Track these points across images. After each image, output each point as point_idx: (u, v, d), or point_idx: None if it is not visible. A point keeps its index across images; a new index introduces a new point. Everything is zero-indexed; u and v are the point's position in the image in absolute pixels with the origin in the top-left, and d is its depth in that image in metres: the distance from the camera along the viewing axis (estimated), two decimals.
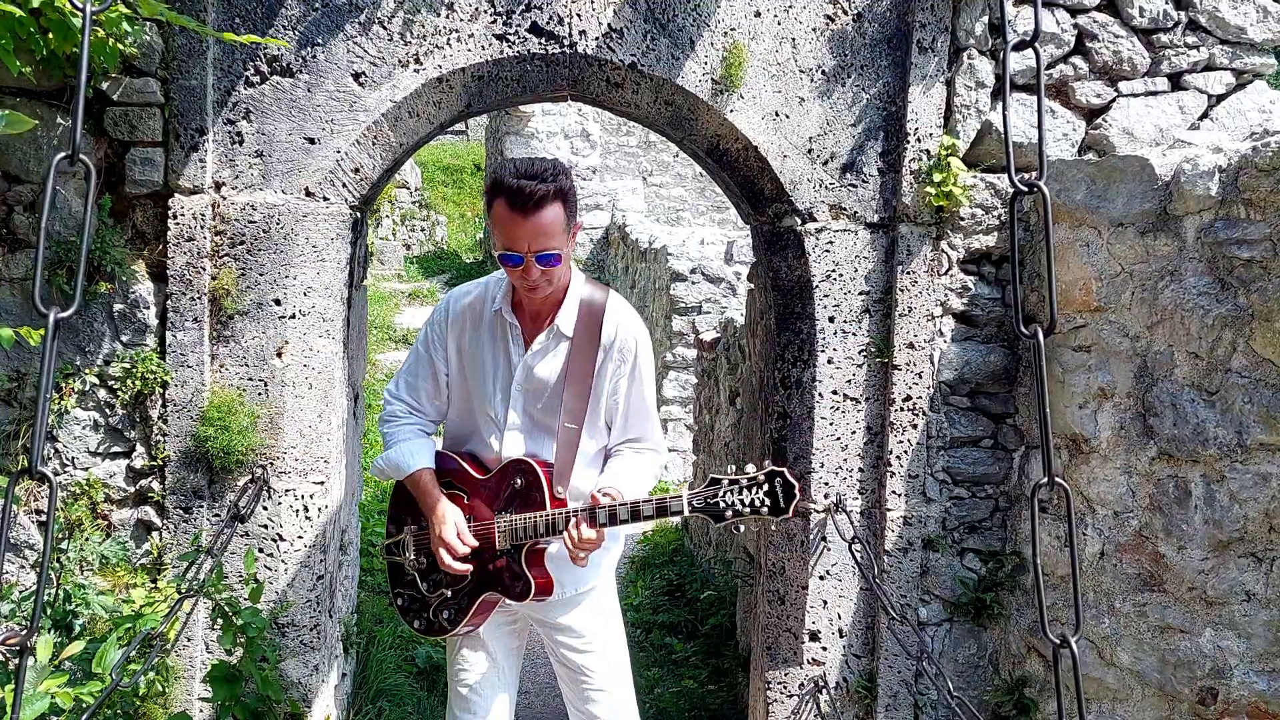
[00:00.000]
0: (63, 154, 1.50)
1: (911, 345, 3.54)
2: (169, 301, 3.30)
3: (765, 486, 2.43)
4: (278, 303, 3.36)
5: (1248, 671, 2.87)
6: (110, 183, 3.28)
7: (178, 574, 3.18)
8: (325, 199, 3.39)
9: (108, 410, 3.35)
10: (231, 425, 3.27)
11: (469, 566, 2.59)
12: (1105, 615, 3.18)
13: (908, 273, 3.52)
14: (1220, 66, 3.66)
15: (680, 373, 9.61)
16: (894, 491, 3.56)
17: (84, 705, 2.29)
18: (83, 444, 3.36)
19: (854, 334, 3.58)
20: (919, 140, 3.49)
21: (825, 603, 3.65)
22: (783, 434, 3.67)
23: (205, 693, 3.22)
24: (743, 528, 2.50)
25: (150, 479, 3.37)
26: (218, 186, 3.32)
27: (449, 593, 2.68)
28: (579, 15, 3.38)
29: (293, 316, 3.37)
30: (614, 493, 2.54)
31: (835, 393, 3.58)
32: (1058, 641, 1.52)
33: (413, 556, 2.73)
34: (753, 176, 3.63)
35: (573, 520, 2.49)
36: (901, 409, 3.56)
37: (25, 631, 1.49)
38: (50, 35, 2.81)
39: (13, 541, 3.29)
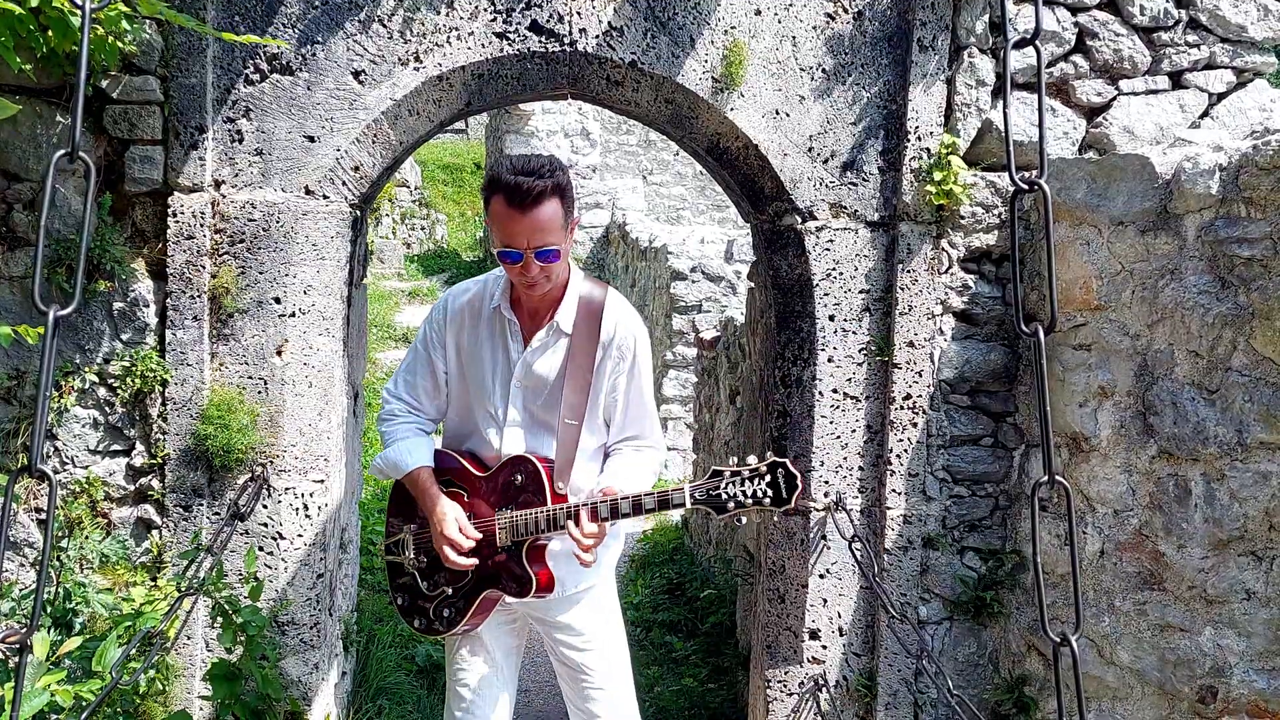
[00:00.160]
0: (62, 152, 1.49)
1: (912, 344, 3.54)
2: (169, 300, 3.30)
3: (767, 477, 2.41)
4: (278, 301, 3.35)
5: (1248, 670, 2.87)
6: (110, 181, 3.28)
7: (177, 572, 3.19)
8: (325, 197, 3.39)
9: (107, 408, 3.35)
10: (231, 423, 3.27)
11: (473, 561, 2.58)
12: (1105, 614, 3.18)
13: (908, 271, 3.52)
14: (1221, 65, 3.66)
15: (680, 371, 9.62)
16: (894, 490, 3.56)
17: (84, 703, 2.29)
18: (82, 442, 3.35)
19: (854, 332, 3.58)
20: (919, 139, 3.49)
21: (825, 601, 3.65)
22: (783, 432, 3.67)
23: (205, 691, 3.22)
24: (744, 519, 2.49)
25: (150, 477, 3.37)
26: (217, 185, 3.32)
27: (449, 590, 2.67)
28: (579, 13, 3.37)
29: (292, 315, 3.37)
30: (615, 490, 2.54)
31: (835, 391, 3.58)
32: (1058, 640, 1.52)
33: (412, 555, 2.73)
34: (753, 175, 3.62)
35: (578, 514, 2.48)
36: (902, 407, 3.56)
37: (25, 630, 1.49)
38: (50, 33, 2.81)
39: (12, 539, 3.29)
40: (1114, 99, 3.63)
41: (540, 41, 3.38)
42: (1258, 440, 2.81)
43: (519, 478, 2.61)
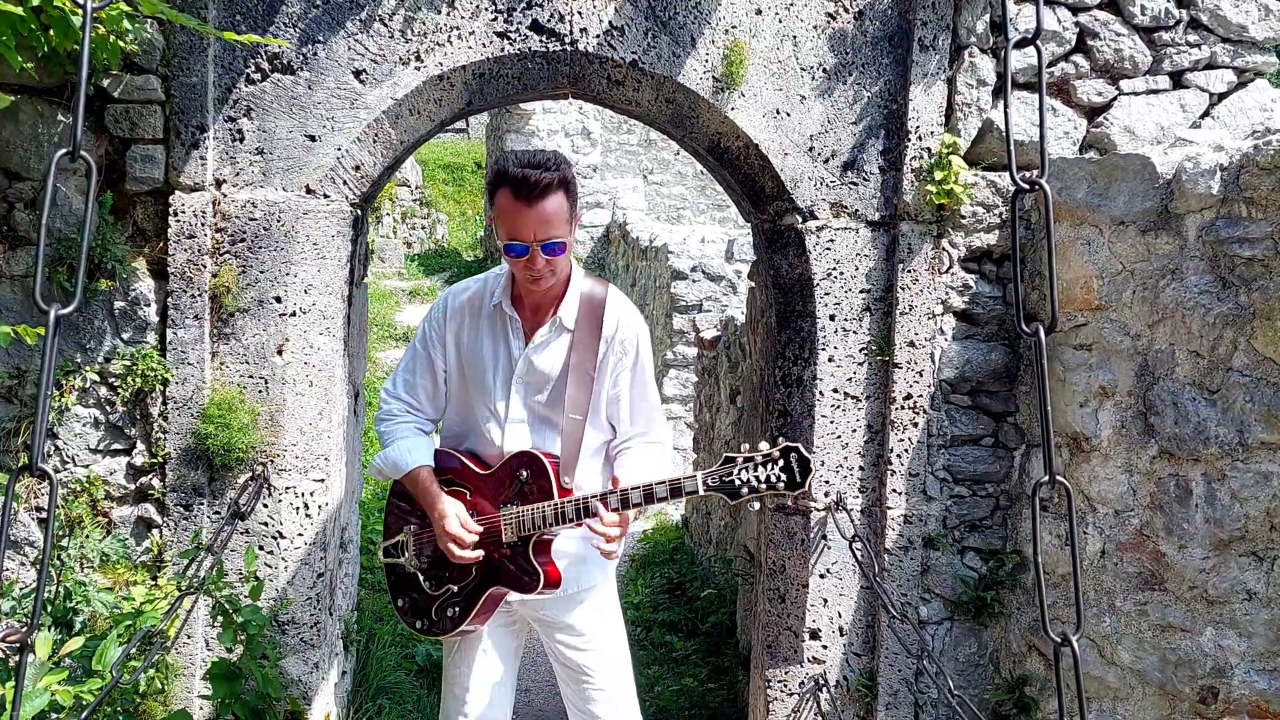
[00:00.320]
0: (64, 150, 1.49)
1: (912, 343, 3.54)
2: (170, 299, 3.30)
3: (780, 462, 2.43)
4: (278, 300, 3.35)
5: (1249, 670, 2.87)
6: (111, 180, 3.28)
7: (178, 571, 3.19)
8: (326, 196, 3.39)
9: (108, 407, 3.35)
10: (232, 423, 3.27)
11: (479, 554, 2.57)
12: (1106, 614, 3.18)
13: (909, 271, 3.52)
14: (1222, 65, 3.66)
15: (681, 371, 9.61)
16: (894, 490, 3.56)
17: (84, 702, 2.29)
18: (83, 441, 3.36)
19: (855, 332, 3.58)
20: (920, 138, 3.49)
21: (826, 601, 3.65)
22: (783, 432, 3.66)
23: (205, 690, 3.22)
24: (757, 505, 2.49)
25: (151, 476, 3.37)
26: (218, 184, 3.32)
27: (455, 588, 2.65)
28: (580, 13, 3.37)
29: (293, 314, 3.37)
30: (628, 481, 2.53)
31: (836, 391, 3.58)
32: (1059, 640, 1.52)
33: (413, 556, 2.72)
34: (753, 174, 3.62)
35: (595, 508, 2.47)
36: (902, 407, 3.56)
37: (25, 629, 1.49)
38: (51, 32, 2.81)
39: (13, 538, 3.30)
40: (1115, 99, 3.63)
41: (541, 41, 3.38)
42: (1259, 440, 2.81)
43: (525, 473, 2.60)
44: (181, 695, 3.31)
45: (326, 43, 3.31)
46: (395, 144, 3.47)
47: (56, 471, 3.34)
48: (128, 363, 3.31)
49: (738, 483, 2.44)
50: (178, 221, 3.28)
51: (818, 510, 3.62)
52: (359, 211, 3.58)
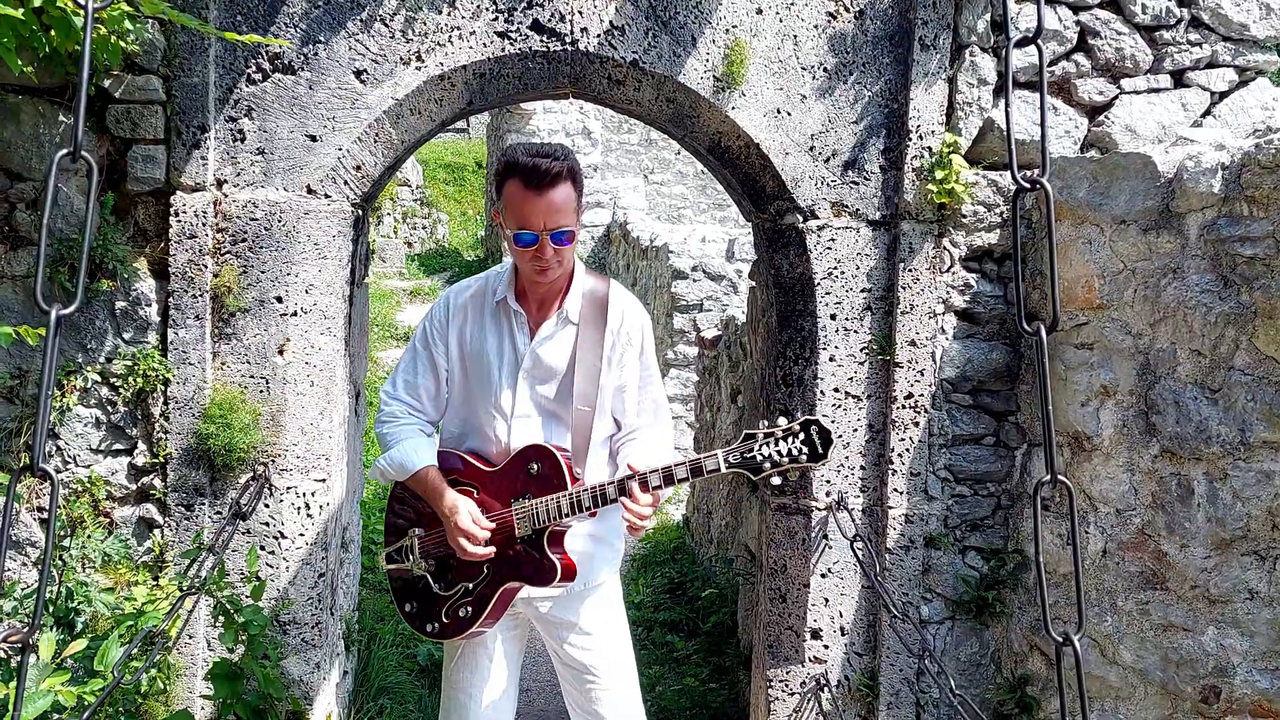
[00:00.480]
0: (65, 151, 1.49)
1: (913, 343, 3.54)
2: (171, 299, 3.30)
3: (801, 435, 2.46)
4: (279, 300, 3.36)
5: (1251, 670, 2.87)
6: (112, 180, 3.28)
7: (179, 571, 3.19)
8: (327, 196, 3.39)
9: (109, 407, 3.35)
10: (233, 422, 3.27)
11: (490, 550, 2.56)
12: (1108, 613, 3.18)
13: (910, 270, 3.52)
14: (1223, 64, 3.66)
15: (681, 370, 9.61)
16: (896, 489, 3.56)
17: (86, 703, 2.29)
18: (84, 441, 3.36)
19: (856, 331, 3.58)
20: (921, 137, 3.49)
21: (827, 600, 3.65)
22: None
23: (207, 690, 3.22)
24: (777, 480, 2.50)
25: (152, 476, 3.37)
26: (220, 184, 3.32)
27: (469, 585, 2.63)
28: (580, 12, 3.37)
29: (294, 314, 3.37)
30: (643, 466, 2.54)
31: (837, 390, 3.58)
32: (1060, 639, 1.52)
33: (420, 559, 2.69)
34: (754, 174, 3.62)
35: (630, 485, 2.47)
36: (903, 407, 3.55)
37: (27, 629, 1.49)
38: (52, 33, 2.81)
39: (14, 539, 3.30)
40: (1116, 98, 3.62)
41: (542, 41, 3.38)
42: (1260, 439, 2.81)
43: (536, 466, 2.59)
44: (183, 695, 3.31)
45: (327, 43, 3.31)
46: (396, 144, 3.47)
47: (58, 472, 3.35)
48: (129, 363, 3.31)
49: (759, 458, 2.46)
50: (179, 221, 3.28)
51: (819, 510, 3.62)
52: (360, 211, 3.58)
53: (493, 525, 2.59)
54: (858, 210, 3.55)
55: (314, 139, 3.34)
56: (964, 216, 3.53)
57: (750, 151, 3.55)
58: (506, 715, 2.82)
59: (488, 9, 3.36)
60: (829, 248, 3.55)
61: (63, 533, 3.31)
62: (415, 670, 4.88)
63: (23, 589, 3.24)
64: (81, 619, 3.09)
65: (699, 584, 6.27)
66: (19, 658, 1.48)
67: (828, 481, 3.61)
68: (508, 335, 2.69)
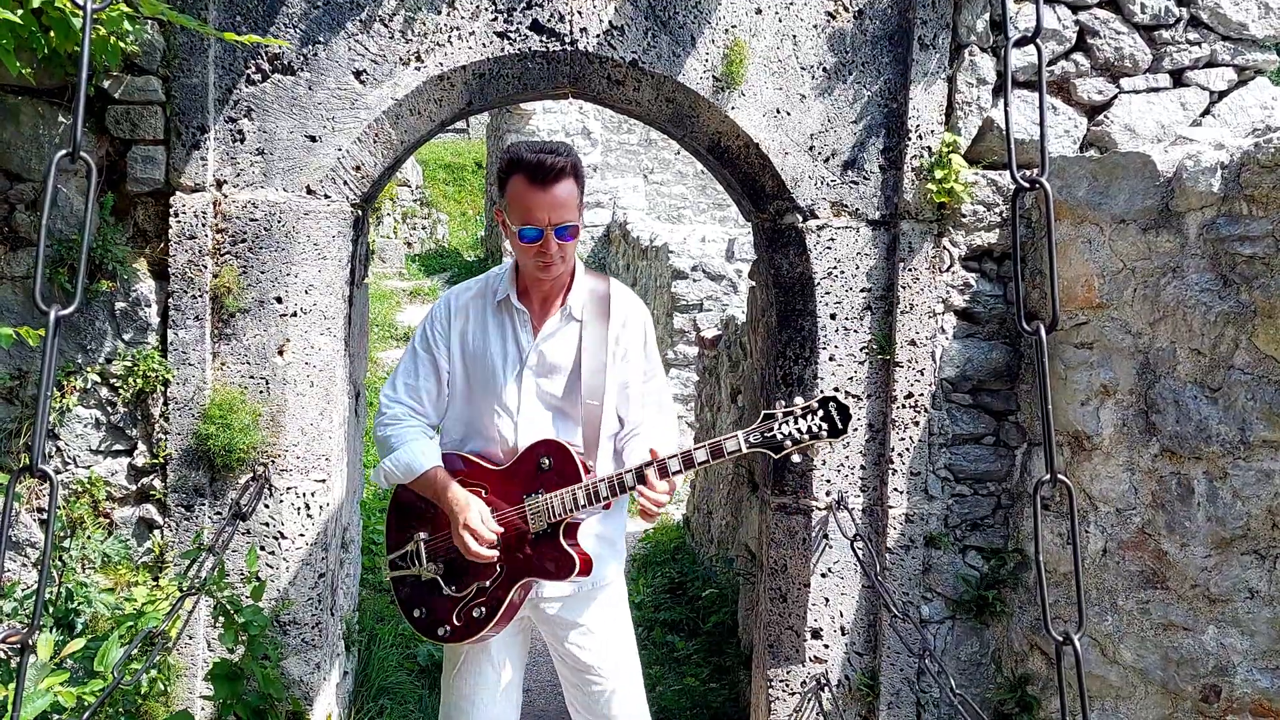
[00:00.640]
0: (64, 152, 1.49)
1: (913, 342, 3.54)
2: (170, 299, 3.30)
3: (820, 412, 2.50)
4: (279, 300, 3.36)
5: (1251, 669, 2.87)
6: (112, 181, 3.29)
7: (179, 572, 3.19)
8: (327, 197, 3.39)
9: (109, 408, 3.35)
10: (233, 423, 3.27)
11: (494, 553, 2.55)
12: (1108, 613, 3.18)
13: (909, 270, 3.52)
14: (1222, 63, 3.66)
15: (681, 370, 9.62)
16: (896, 489, 3.56)
17: (85, 703, 2.29)
18: (84, 442, 3.36)
19: (855, 331, 3.58)
20: (920, 137, 3.49)
21: (827, 600, 3.65)
22: None
23: (207, 691, 3.22)
24: (798, 458, 2.55)
25: (152, 477, 3.37)
26: (219, 184, 3.32)
27: (485, 583, 2.61)
28: (580, 13, 3.37)
29: (294, 314, 3.37)
30: (660, 452, 2.55)
31: (837, 390, 3.58)
32: (1060, 639, 1.52)
33: (428, 562, 2.66)
34: (754, 174, 3.62)
35: (647, 472, 2.48)
36: (903, 406, 3.55)
37: (27, 629, 1.49)
38: (51, 34, 2.81)
39: (14, 539, 3.30)
40: (1115, 97, 3.62)
41: (541, 41, 3.38)
42: (1260, 438, 2.81)
43: (547, 460, 2.58)
44: (183, 696, 3.31)
45: (327, 43, 3.31)
46: (396, 144, 3.47)
47: (57, 472, 3.35)
48: (129, 363, 3.31)
49: (779, 436, 2.50)
50: (178, 222, 3.28)
51: (819, 509, 3.62)
52: (360, 212, 3.58)
53: (501, 529, 2.57)
54: (857, 210, 3.55)
55: (313, 139, 3.34)
56: (963, 216, 3.53)
57: (750, 151, 3.55)
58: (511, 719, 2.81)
59: (487, 9, 3.36)
60: (829, 247, 3.55)
61: (62, 533, 3.31)
62: (415, 670, 4.88)
63: (23, 590, 3.24)
64: (81, 620, 3.09)
65: (699, 584, 6.27)
66: (19, 658, 1.48)
67: (828, 481, 3.61)
68: (511, 333, 2.69)
